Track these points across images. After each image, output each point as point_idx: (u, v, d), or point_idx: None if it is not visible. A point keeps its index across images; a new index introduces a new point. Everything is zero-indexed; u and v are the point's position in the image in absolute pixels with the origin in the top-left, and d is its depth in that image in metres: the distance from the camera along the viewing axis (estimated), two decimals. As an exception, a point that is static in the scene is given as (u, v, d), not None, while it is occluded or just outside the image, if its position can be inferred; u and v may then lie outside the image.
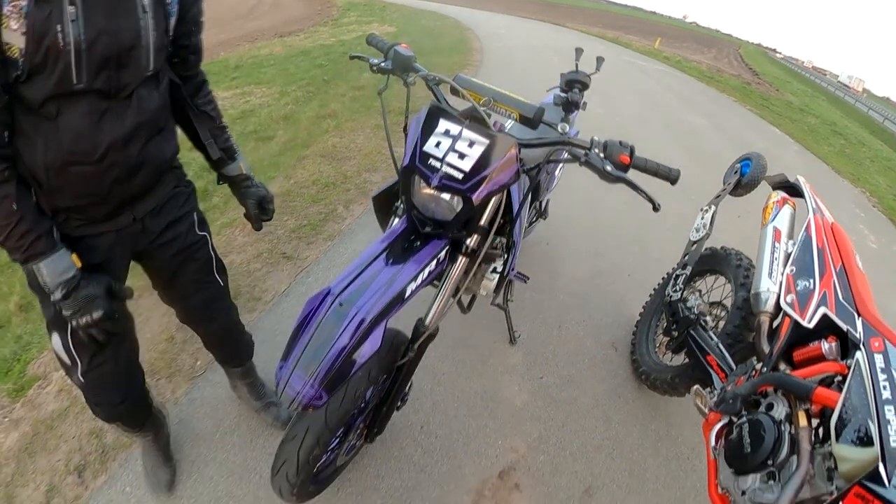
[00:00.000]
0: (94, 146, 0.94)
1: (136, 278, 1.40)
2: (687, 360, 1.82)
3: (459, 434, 1.88)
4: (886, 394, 1.04)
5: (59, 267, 0.97)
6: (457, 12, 13.75)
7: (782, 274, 1.51)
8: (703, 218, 2.00)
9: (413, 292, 1.13)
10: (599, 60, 2.25)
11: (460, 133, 1.12)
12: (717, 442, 1.40)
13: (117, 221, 1.11)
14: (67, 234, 1.04)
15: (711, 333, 1.75)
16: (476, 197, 1.08)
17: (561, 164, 2.48)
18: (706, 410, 1.53)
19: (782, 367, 1.37)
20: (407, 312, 1.32)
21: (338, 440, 1.38)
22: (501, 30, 11.83)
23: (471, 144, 1.10)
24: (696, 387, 1.63)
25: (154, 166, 1.09)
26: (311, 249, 2.78)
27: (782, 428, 1.18)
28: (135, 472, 1.59)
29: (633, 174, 1.14)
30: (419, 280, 1.14)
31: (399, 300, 1.08)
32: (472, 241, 1.24)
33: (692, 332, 1.79)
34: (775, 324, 1.49)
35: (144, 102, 1.00)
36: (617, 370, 2.29)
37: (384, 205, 1.50)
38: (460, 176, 1.07)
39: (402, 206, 1.38)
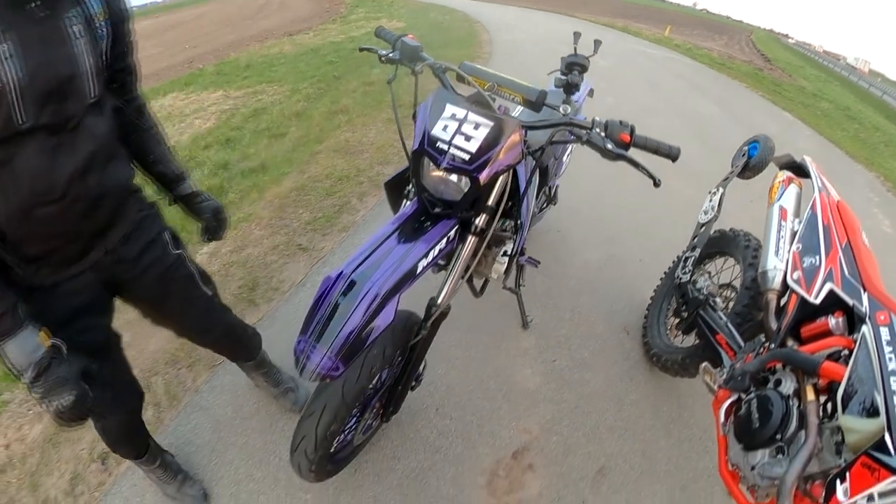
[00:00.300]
0: (53, 184, 0.89)
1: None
2: (697, 341, 1.84)
3: (473, 416, 1.92)
4: (892, 365, 1.05)
5: (25, 347, 0.91)
6: (465, 5, 13.68)
7: (789, 252, 1.52)
8: (711, 200, 2.02)
9: (424, 269, 1.17)
10: (597, 43, 2.27)
11: (466, 116, 1.17)
12: (726, 419, 1.42)
13: (89, 258, 1.07)
14: (41, 285, 1.00)
15: (721, 313, 1.76)
16: (482, 177, 1.12)
17: (569, 150, 2.50)
18: (715, 388, 1.54)
19: (790, 343, 1.38)
20: (419, 297, 1.36)
21: (355, 419, 1.42)
22: (510, 21, 11.77)
23: (476, 127, 1.14)
24: (705, 363, 1.65)
25: (116, 193, 1.07)
26: (326, 241, 2.84)
27: (790, 403, 1.20)
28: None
29: (634, 153, 1.17)
30: (430, 257, 1.18)
31: (411, 276, 1.12)
32: (480, 221, 1.27)
33: (702, 312, 1.80)
34: (783, 301, 1.49)
35: (93, 130, 0.96)
36: (629, 353, 2.31)
37: (396, 190, 1.55)
38: (467, 157, 1.11)
39: (412, 189, 1.42)
